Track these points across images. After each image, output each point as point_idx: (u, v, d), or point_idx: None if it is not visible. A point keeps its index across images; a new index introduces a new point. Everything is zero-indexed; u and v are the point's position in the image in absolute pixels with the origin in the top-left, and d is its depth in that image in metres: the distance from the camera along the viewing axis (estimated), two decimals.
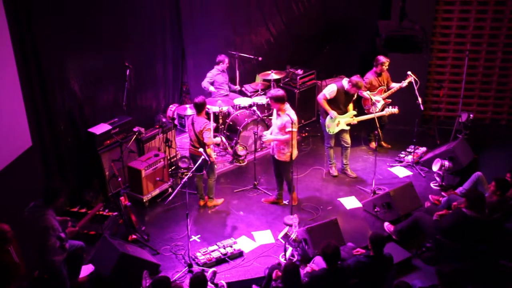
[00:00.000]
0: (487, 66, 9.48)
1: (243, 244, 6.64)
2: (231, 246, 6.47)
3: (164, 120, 8.55)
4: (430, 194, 7.45)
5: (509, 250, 5.96)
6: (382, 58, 8.26)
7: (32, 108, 6.46)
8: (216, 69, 9.01)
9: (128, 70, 7.94)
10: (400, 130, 9.13)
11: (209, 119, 7.23)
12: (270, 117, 8.53)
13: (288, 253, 6.35)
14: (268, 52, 10.14)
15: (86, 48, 7.41)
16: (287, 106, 6.85)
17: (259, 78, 9.80)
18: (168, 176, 7.75)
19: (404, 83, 8.21)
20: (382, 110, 8.24)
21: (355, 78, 7.55)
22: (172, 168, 8.14)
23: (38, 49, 6.48)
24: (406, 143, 8.77)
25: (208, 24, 9.52)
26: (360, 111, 8.28)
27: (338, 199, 7.58)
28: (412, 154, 8.45)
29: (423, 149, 8.62)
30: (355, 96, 7.80)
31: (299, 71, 9.58)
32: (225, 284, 5.84)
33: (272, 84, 9.15)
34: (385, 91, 8.38)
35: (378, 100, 8.28)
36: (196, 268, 6.15)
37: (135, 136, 7.60)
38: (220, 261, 6.30)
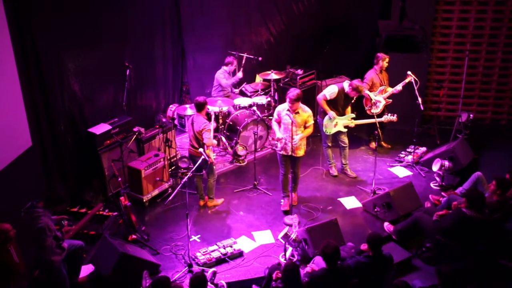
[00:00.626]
0: (487, 66, 9.48)
1: (243, 244, 6.64)
2: (231, 246, 6.47)
3: (164, 120, 8.55)
4: (430, 194, 7.45)
5: (509, 250, 5.96)
6: (382, 55, 8.27)
7: (32, 108, 6.46)
8: (223, 70, 8.99)
9: (128, 70, 7.94)
10: (400, 130, 9.12)
11: (209, 119, 7.23)
12: (270, 117, 8.54)
13: (288, 253, 6.35)
14: (268, 52, 10.15)
15: (86, 48, 7.40)
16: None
17: (259, 78, 9.81)
18: (168, 176, 7.75)
19: (399, 87, 8.21)
20: (383, 110, 8.25)
21: (356, 82, 7.55)
22: (172, 168, 8.15)
23: (38, 49, 6.49)
24: (406, 143, 8.77)
25: (208, 24, 9.52)
26: (359, 114, 8.27)
27: (338, 199, 7.58)
28: (412, 154, 8.45)
29: (423, 149, 8.62)
30: (354, 99, 7.80)
31: (299, 71, 9.58)
32: (225, 284, 5.84)
33: (272, 84, 9.15)
34: (385, 91, 8.38)
35: (379, 101, 8.27)
36: (196, 268, 6.15)
37: (135, 136, 7.60)
38: (220, 261, 6.30)
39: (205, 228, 6.98)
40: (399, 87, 8.22)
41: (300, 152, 7.00)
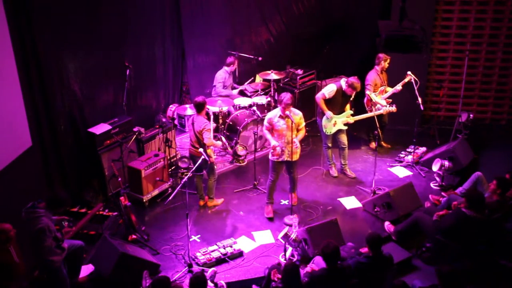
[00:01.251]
0: (487, 66, 9.49)
1: (243, 244, 6.64)
2: (231, 246, 6.47)
3: (164, 120, 8.54)
4: (430, 194, 7.45)
5: (509, 250, 5.96)
6: (383, 55, 8.28)
7: (32, 108, 6.46)
8: (224, 70, 9.00)
9: (128, 70, 7.94)
10: (400, 130, 9.13)
11: (209, 119, 7.23)
12: None
13: (288, 253, 6.35)
14: (268, 52, 10.14)
15: (86, 48, 7.41)
16: None
17: (259, 78, 9.81)
18: (168, 176, 7.75)
19: (398, 86, 8.21)
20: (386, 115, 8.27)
21: (352, 79, 7.55)
22: (172, 168, 8.14)
23: (38, 49, 6.49)
24: (406, 143, 8.77)
25: (208, 24, 9.52)
26: (358, 111, 8.26)
27: (338, 199, 7.58)
28: (412, 154, 8.45)
29: (423, 149, 8.62)
30: (352, 96, 7.80)
31: (299, 71, 9.58)
32: (224, 284, 5.84)
33: (272, 84, 9.15)
34: (385, 91, 8.38)
35: (381, 103, 8.23)
36: (196, 268, 6.15)
37: (135, 136, 7.60)
38: (220, 261, 6.30)
39: (205, 228, 6.98)
40: (398, 86, 8.22)
41: (297, 156, 6.99)
